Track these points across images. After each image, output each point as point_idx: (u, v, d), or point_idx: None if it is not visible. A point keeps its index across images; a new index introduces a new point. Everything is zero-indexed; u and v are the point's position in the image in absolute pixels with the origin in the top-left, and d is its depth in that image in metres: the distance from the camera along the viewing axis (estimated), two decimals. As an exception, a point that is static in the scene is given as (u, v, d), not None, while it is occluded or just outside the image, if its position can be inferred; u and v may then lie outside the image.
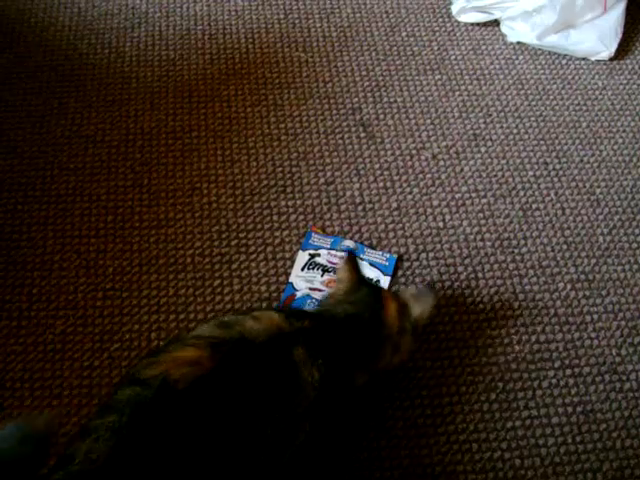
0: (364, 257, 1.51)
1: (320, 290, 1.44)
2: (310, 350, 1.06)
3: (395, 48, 1.89)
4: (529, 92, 1.82)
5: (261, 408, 0.99)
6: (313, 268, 1.49)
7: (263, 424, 0.99)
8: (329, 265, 1.49)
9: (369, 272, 1.48)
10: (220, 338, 1.01)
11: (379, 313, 1.20)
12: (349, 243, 1.53)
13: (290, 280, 1.48)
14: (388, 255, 1.51)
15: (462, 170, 1.67)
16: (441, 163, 1.68)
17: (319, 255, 1.51)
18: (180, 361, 0.95)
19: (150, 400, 0.90)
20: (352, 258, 1.27)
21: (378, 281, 1.47)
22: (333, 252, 1.51)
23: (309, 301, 1.42)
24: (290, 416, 1.03)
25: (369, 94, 1.79)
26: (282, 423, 1.01)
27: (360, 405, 1.30)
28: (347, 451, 1.28)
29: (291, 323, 1.09)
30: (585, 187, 1.66)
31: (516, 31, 1.89)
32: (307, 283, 1.47)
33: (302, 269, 1.49)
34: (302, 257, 1.51)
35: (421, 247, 1.54)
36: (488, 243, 1.55)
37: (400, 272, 1.50)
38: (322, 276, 1.47)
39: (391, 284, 1.48)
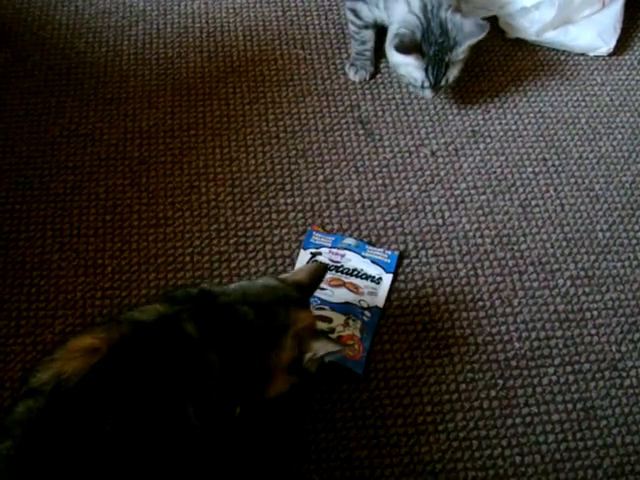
0: (366, 255, 1.50)
1: (323, 289, 1.43)
2: (198, 325, 1.00)
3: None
4: (528, 88, 1.82)
5: (168, 379, 0.94)
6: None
7: (174, 391, 0.94)
8: (331, 263, 1.48)
9: (371, 270, 1.48)
10: (112, 328, 0.96)
11: (286, 325, 1.11)
12: (350, 241, 1.52)
13: None
14: (390, 252, 1.51)
15: (461, 167, 1.67)
16: (440, 160, 1.67)
17: (320, 254, 1.49)
18: (74, 351, 0.89)
19: (42, 412, 0.84)
20: (322, 269, 1.24)
21: (380, 278, 1.47)
22: (334, 250, 1.50)
23: (311, 300, 1.42)
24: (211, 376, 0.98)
25: (367, 91, 1.79)
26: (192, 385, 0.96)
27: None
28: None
29: (173, 308, 1.02)
30: (584, 183, 1.65)
31: (515, 27, 1.89)
32: None
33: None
34: (304, 256, 1.49)
35: (420, 244, 1.54)
36: (487, 240, 1.55)
37: (400, 269, 1.50)
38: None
39: (393, 281, 1.48)
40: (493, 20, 1.93)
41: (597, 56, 1.89)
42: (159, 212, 1.56)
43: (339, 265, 1.48)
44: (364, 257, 1.49)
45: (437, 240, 1.55)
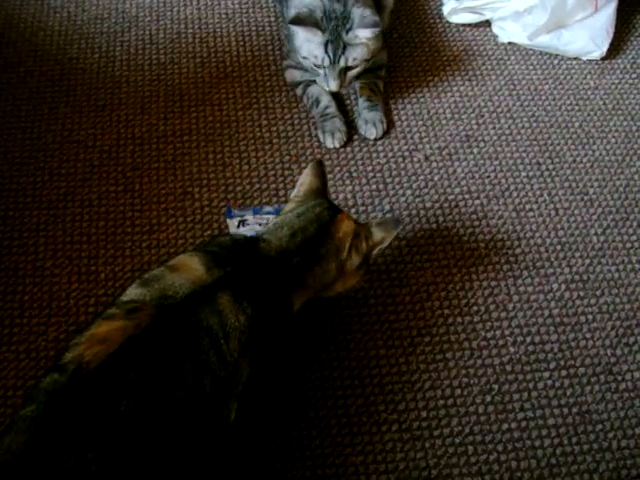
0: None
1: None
2: (235, 294, 1.06)
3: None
4: (521, 92, 1.82)
5: (186, 367, 0.99)
6: (246, 226, 1.52)
7: (194, 380, 0.99)
8: (259, 224, 1.51)
9: None
10: (138, 301, 1.02)
11: (328, 228, 1.22)
12: (269, 208, 1.56)
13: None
14: None
15: (455, 171, 1.66)
16: (434, 165, 1.67)
17: (246, 220, 1.53)
18: (94, 339, 0.96)
19: (64, 386, 0.93)
20: (319, 164, 1.30)
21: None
22: (258, 216, 1.54)
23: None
24: (224, 362, 1.02)
25: (361, 96, 1.79)
26: (216, 371, 1.01)
27: (302, 328, 1.35)
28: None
29: (212, 273, 1.07)
30: (578, 187, 1.65)
31: (507, 31, 1.89)
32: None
33: (237, 228, 1.52)
34: (232, 224, 1.53)
35: (415, 249, 1.53)
36: (482, 244, 1.55)
37: (394, 274, 1.49)
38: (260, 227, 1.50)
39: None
40: (486, 25, 1.94)
41: (590, 60, 1.89)
42: (152, 218, 1.55)
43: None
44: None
45: (431, 245, 1.54)
